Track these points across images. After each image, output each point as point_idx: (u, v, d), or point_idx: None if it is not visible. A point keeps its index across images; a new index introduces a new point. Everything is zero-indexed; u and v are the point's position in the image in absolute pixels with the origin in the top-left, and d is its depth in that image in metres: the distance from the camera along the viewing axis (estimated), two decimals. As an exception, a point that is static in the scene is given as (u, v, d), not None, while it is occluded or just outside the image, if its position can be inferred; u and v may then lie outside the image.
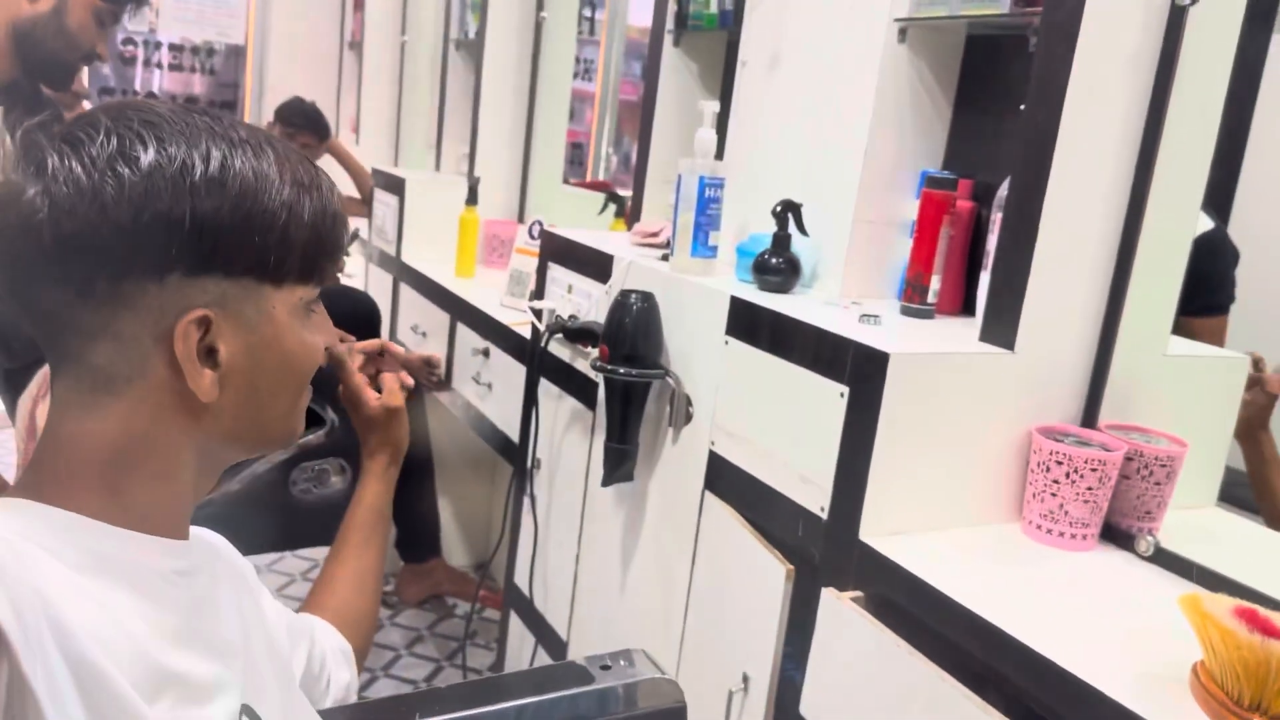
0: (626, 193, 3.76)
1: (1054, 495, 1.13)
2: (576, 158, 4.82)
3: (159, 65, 4.37)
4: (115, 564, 0.65)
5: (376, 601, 1.18)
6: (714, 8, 1.78)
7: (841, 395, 1.13)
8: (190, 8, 4.27)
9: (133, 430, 0.67)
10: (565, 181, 3.18)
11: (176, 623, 0.67)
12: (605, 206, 2.74)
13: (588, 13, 4.65)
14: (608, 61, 5.04)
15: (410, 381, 1.31)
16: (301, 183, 0.68)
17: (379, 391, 1.22)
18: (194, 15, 4.29)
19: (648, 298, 1.46)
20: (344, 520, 1.19)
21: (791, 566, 1.19)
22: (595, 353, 1.52)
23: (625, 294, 1.46)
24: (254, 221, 0.66)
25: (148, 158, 0.62)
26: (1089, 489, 1.11)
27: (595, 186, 3.59)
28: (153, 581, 0.67)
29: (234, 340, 0.68)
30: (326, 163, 3.64)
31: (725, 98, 2.01)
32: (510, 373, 2.13)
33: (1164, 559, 1.11)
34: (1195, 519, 1.30)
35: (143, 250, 0.63)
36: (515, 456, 2.04)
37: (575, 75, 3.07)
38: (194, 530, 0.76)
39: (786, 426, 1.23)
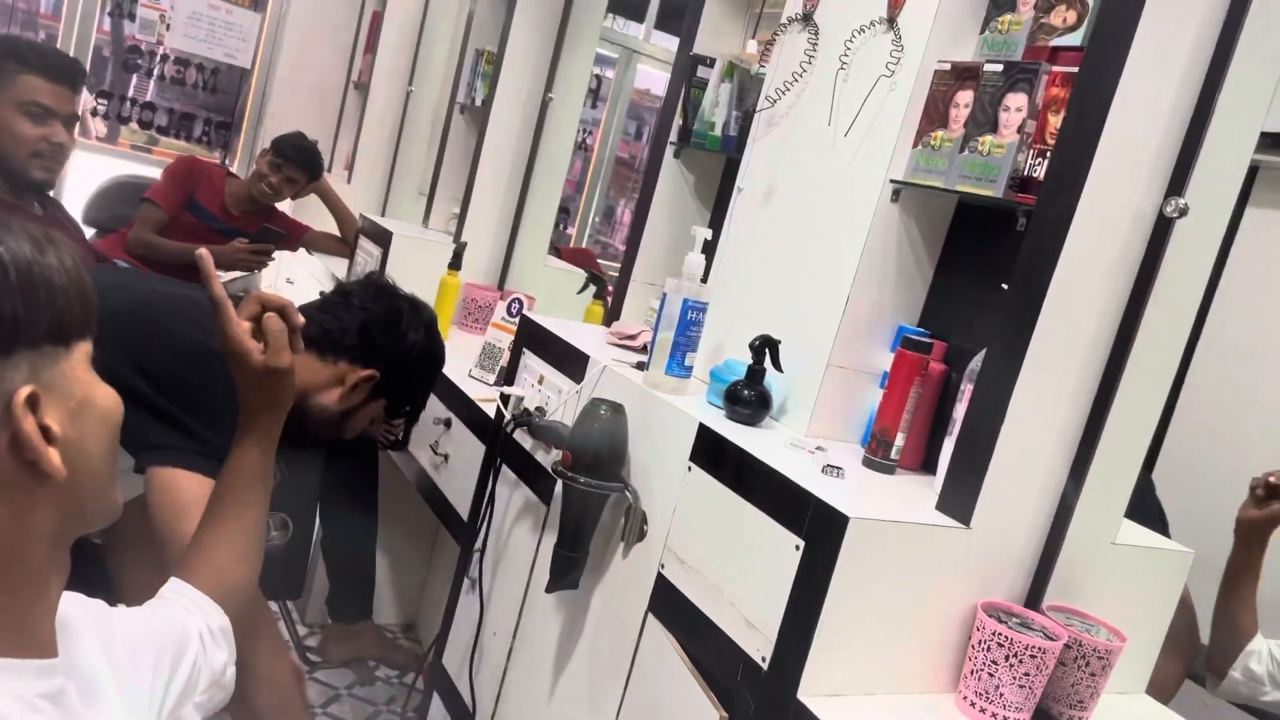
0: (613, 258, 3.79)
1: (991, 675, 1.14)
2: (560, 220, 4.88)
3: (162, 77, 4.36)
4: None
5: (254, 569, 1.13)
6: (718, 131, 1.82)
7: (797, 548, 1.14)
8: (202, 26, 4.27)
9: None
10: (551, 250, 3.20)
11: None
12: (585, 286, 2.76)
13: (593, 81, 4.76)
14: (609, 126, 5.15)
15: (298, 320, 1.12)
16: (55, 247, 0.68)
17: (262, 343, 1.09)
18: (204, 34, 4.29)
19: (618, 409, 1.47)
20: (218, 484, 1.12)
21: (725, 714, 1.18)
22: (558, 455, 1.52)
23: (596, 403, 1.47)
24: (39, 288, 0.66)
25: None
26: (1026, 674, 1.12)
27: (578, 257, 3.62)
28: (18, 712, 0.65)
29: (57, 411, 0.67)
30: (312, 202, 3.64)
31: (716, 212, 2.06)
32: (469, 448, 2.12)
33: (1091, 753, 1.12)
34: (1124, 706, 1.32)
35: None
36: (461, 533, 2.02)
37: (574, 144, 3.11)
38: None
39: (738, 566, 1.24)
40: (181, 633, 0.97)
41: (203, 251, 1.13)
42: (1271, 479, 1.54)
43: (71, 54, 3.42)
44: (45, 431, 0.66)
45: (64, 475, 0.66)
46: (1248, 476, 1.58)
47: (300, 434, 1.52)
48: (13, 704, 0.65)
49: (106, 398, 0.72)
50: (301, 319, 1.14)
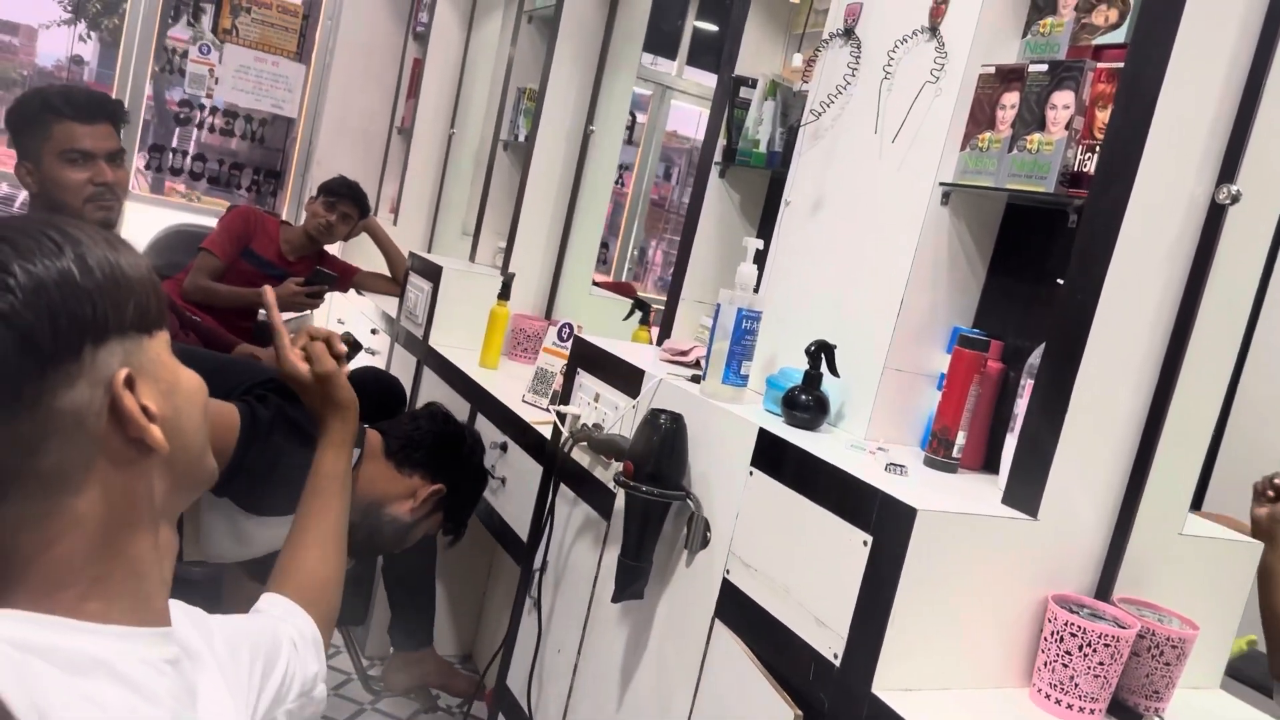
0: (646, 295, 3.83)
1: (1065, 666, 1.13)
2: (600, 255, 4.96)
3: (212, 129, 4.50)
4: (107, 664, 0.67)
5: (341, 567, 1.21)
6: (763, 148, 1.85)
7: (865, 544, 1.15)
8: (249, 79, 4.41)
9: (107, 514, 0.70)
10: (594, 284, 3.26)
11: (166, 715, 0.69)
12: (631, 313, 2.80)
13: (628, 120, 4.85)
14: (643, 166, 5.24)
15: (342, 349, 1.34)
16: (125, 246, 0.74)
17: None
18: (252, 86, 4.43)
19: (677, 419, 1.49)
20: (304, 490, 1.23)
21: (799, 712, 1.19)
22: (619, 467, 1.55)
23: (656, 413, 1.50)
24: (119, 283, 0.71)
25: (19, 265, 0.66)
26: (1100, 664, 1.12)
27: (619, 289, 3.67)
28: (145, 675, 0.69)
29: (151, 391, 0.72)
30: (363, 241, 3.73)
31: (763, 228, 2.08)
32: (525, 470, 2.15)
33: (1171, 742, 1.11)
34: (1200, 701, 1.31)
35: (54, 336, 0.66)
36: (521, 555, 2.05)
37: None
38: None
39: (805, 566, 1.25)
40: (274, 640, 1.01)
41: (267, 288, 1.39)
42: (1278, 480, 1.57)
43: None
44: (145, 410, 0.70)
45: (167, 449, 0.72)
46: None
47: (366, 545, 1.75)
48: (144, 669, 0.69)
49: (192, 379, 0.78)
50: (344, 346, 1.36)
